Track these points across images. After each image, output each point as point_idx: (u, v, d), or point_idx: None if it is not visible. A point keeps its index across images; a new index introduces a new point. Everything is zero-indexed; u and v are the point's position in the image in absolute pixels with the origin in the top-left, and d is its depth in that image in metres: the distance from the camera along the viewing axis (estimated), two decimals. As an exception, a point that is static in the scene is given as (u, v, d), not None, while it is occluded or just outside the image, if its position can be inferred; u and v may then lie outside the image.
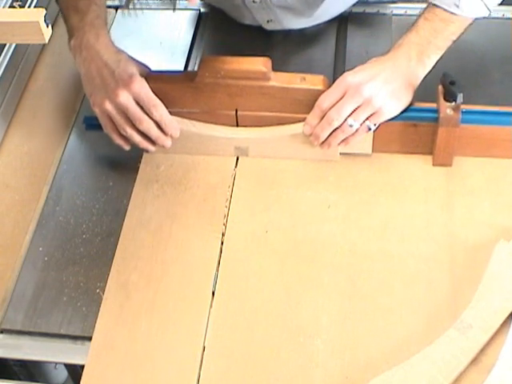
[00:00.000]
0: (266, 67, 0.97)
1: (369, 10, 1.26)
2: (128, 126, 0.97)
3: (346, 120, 0.94)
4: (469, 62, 1.16)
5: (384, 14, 1.25)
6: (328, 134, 0.97)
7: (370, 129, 0.96)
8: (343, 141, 0.97)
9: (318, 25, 1.23)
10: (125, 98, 0.95)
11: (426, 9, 0.98)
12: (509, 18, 1.22)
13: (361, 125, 0.95)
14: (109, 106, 0.96)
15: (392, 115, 0.96)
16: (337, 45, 1.21)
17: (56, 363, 1.06)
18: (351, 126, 0.95)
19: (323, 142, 0.98)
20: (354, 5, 1.25)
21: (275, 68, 0.98)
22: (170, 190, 1.02)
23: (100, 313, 0.91)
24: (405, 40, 0.97)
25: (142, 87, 0.95)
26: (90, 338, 0.89)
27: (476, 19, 0.98)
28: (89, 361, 0.87)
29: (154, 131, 0.98)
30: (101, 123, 1.00)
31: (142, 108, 0.96)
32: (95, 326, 0.90)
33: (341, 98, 0.94)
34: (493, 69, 1.15)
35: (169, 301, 0.91)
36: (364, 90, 0.93)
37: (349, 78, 0.95)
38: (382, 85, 0.94)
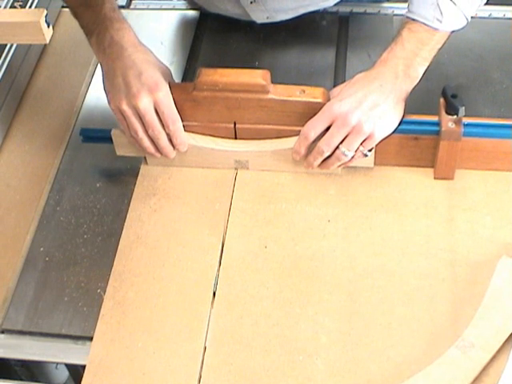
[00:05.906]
0: (265, 80, 0.95)
1: (370, 10, 1.26)
2: (141, 130, 0.96)
3: (338, 148, 0.93)
4: (469, 61, 1.16)
5: (385, 15, 1.25)
6: (320, 162, 0.96)
7: (365, 155, 0.94)
8: (342, 164, 0.96)
9: (319, 21, 1.23)
10: (146, 103, 0.93)
11: (407, 21, 0.95)
12: (509, 18, 1.22)
13: (355, 151, 0.94)
14: (126, 107, 0.94)
15: (385, 135, 0.94)
16: (338, 45, 1.21)
17: (57, 363, 1.06)
18: (345, 154, 0.93)
19: (321, 165, 0.97)
20: (355, 5, 1.26)
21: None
22: (168, 204, 1.00)
23: (101, 313, 0.91)
24: (390, 54, 0.94)
25: (166, 97, 0.94)
26: (90, 338, 0.89)
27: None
28: (90, 361, 0.87)
29: (162, 141, 0.97)
30: (116, 120, 0.98)
31: (158, 115, 0.95)
32: (96, 326, 0.90)
33: (328, 127, 0.93)
34: (493, 69, 1.15)
35: (168, 312, 0.91)
36: (352, 118, 0.91)
37: (335, 106, 0.92)
38: (370, 110, 0.91)
